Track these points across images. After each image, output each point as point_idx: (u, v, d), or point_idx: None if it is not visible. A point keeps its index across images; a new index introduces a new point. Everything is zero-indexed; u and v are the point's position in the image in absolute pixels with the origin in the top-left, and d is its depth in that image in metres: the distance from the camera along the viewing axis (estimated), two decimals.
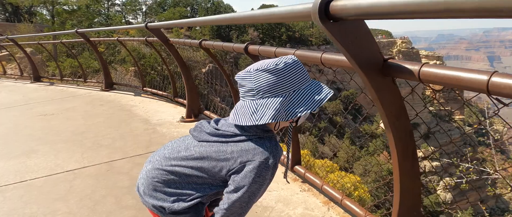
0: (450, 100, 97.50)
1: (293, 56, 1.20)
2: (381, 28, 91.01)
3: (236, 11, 58.48)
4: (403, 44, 78.47)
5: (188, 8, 59.50)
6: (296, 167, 3.25)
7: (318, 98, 1.16)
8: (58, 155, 3.96)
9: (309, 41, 64.37)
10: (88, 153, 4.01)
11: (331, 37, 1.27)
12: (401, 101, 1.62)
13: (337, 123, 48.95)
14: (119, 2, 56.22)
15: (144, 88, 7.76)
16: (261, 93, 1.16)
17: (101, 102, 7.07)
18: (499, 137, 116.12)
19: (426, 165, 55.25)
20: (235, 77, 1.27)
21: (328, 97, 1.19)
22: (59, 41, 10.78)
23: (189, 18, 58.15)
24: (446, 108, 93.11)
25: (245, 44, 3.12)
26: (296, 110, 1.15)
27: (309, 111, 1.15)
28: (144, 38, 6.40)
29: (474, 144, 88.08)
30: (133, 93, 7.79)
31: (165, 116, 5.63)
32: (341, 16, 1.19)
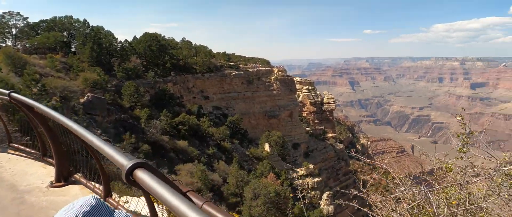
0: (323, 121, 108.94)
1: (92, 199, 1.48)
2: (260, 56, 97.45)
3: (117, 38, 55.85)
4: (280, 73, 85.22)
5: (65, 33, 54.48)
6: None
7: None
8: None
9: (194, 69, 65.03)
10: None
11: (134, 187, 2.08)
12: None
13: (225, 148, 50.01)
14: None
15: (11, 144, 7.04)
16: None
17: None
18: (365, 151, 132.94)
19: (308, 181, 60.33)
20: None
21: None
22: None
23: (65, 42, 53.29)
24: (320, 127, 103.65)
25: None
26: None
27: None
28: (7, 98, 5.79)
29: (346, 158, 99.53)
30: None
31: (34, 180, 5.31)
32: (137, 181, 1.98)
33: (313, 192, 59.51)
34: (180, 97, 59.89)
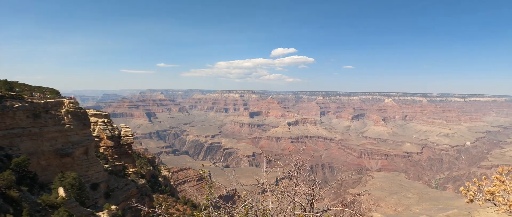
0: (123, 155, 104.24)
1: None
2: (48, 85, 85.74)
3: None
4: (71, 105, 77.14)
5: None
6: None
7: None
8: None
9: None
10: None
11: None
12: None
13: (12, 198, 41.85)
14: None
15: None
16: None
17: None
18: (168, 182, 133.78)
19: None
20: None
21: None
22: None
23: None
24: (119, 163, 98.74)
25: None
26: None
27: None
28: None
29: (149, 193, 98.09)
30: None
31: None
32: None
33: None
34: None
